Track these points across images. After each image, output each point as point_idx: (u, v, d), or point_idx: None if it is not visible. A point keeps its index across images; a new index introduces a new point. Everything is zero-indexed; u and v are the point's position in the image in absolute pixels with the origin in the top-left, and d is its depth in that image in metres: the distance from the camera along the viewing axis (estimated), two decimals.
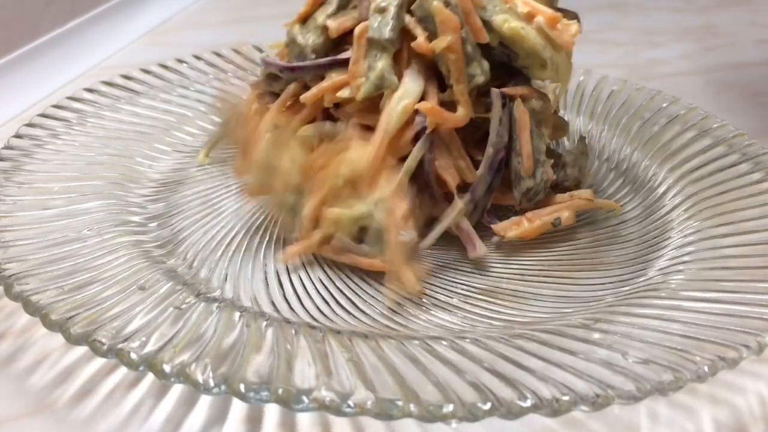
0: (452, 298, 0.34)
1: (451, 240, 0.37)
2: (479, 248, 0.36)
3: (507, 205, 0.39)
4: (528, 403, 0.24)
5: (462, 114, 0.35)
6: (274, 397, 0.24)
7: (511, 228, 0.37)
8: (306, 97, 0.37)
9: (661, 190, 0.41)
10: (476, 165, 0.37)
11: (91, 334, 0.26)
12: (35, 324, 0.30)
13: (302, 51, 0.38)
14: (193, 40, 0.73)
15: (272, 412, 0.28)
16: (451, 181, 0.36)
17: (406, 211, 0.34)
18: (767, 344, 0.27)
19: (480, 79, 0.36)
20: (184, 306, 0.29)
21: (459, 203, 0.36)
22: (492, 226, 0.37)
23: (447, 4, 0.35)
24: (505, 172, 0.37)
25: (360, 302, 0.33)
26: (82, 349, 0.30)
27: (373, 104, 0.36)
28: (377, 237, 0.33)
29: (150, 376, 0.29)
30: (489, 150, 0.36)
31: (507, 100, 0.36)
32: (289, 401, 0.24)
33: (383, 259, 0.34)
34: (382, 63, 0.35)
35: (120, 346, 0.26)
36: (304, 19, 0.39)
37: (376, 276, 0.34)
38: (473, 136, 0.38)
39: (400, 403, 0.24)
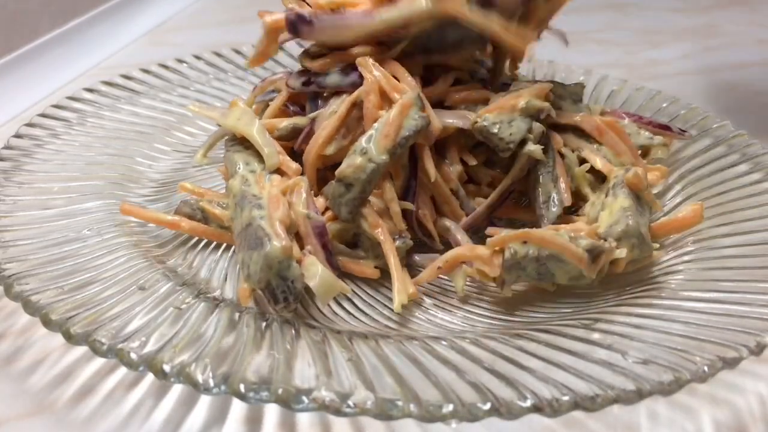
0: (452, 298, 0.34)
1: (449, 243, 0.37)
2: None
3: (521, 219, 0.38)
4: (528, 403, 0.24)
5: None
6: (274, 397, 0.24)
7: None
8: None
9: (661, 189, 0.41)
10: (469, 171, 0.37)
11: (91, 334, 0.26)
12: (35, 324, 0.30)
13: None
14: (193, 40, 0.73)
15: (272, 412, 0.28)
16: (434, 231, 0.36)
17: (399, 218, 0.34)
18: (767, 344, 0.27)
19: None
20: (184, 306, 0.29)
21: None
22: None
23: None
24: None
25: (360, 302, 0.33)
26: (82, 349, 0.30)
27: None
28: (371, 243, 0.34)
29: (150, 376, 0.29)
30: (506, 182, 0.36)
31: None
32: (289, 401, 0.24)
33: (376, 265, 0.34)
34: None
35: (120, 346, 0.26)
36: None
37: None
38: (467, 143, 0.38)
39: (400, 403, 0.24)
